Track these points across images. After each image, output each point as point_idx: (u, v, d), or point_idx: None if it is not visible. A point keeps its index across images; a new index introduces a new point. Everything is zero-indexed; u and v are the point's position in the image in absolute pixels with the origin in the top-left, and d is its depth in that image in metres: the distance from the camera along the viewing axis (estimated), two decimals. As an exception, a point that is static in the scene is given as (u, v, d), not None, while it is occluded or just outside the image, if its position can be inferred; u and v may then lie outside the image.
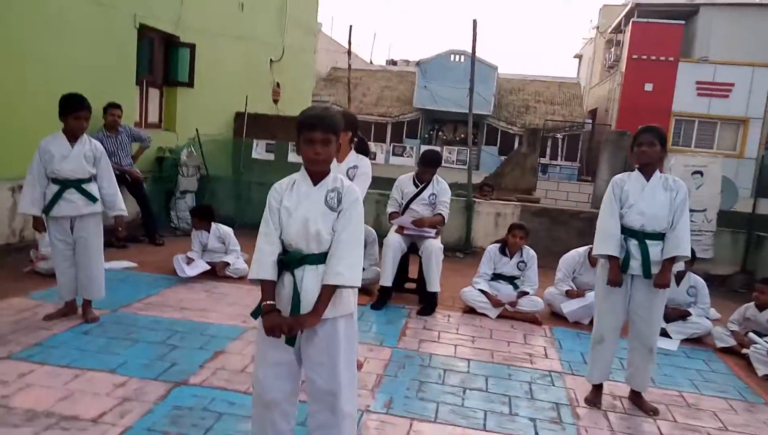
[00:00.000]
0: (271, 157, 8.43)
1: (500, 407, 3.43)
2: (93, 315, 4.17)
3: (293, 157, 8.24)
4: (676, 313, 5.17)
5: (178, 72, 8.60)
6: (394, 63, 37.20)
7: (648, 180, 3.48)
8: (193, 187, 8.04)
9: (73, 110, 3.95)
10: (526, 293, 5.32)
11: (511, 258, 5.48)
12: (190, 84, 8.66)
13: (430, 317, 5.09)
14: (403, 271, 5.76)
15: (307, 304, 2.27)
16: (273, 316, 2.25)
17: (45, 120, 6.34)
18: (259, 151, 8.39)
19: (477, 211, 8.03)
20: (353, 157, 3.84)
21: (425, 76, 26.09)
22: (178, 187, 7.83)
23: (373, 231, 5.95)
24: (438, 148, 24.07)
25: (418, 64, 26.59)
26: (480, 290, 5.35)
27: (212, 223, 5.86)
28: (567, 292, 5.42)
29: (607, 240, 3.49)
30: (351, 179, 3.76)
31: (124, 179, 6.88)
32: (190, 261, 5.62)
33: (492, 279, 5.51)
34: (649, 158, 3.46)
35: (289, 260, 2.29)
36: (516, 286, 5.43)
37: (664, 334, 5.07)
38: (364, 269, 5.69)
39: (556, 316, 5.40)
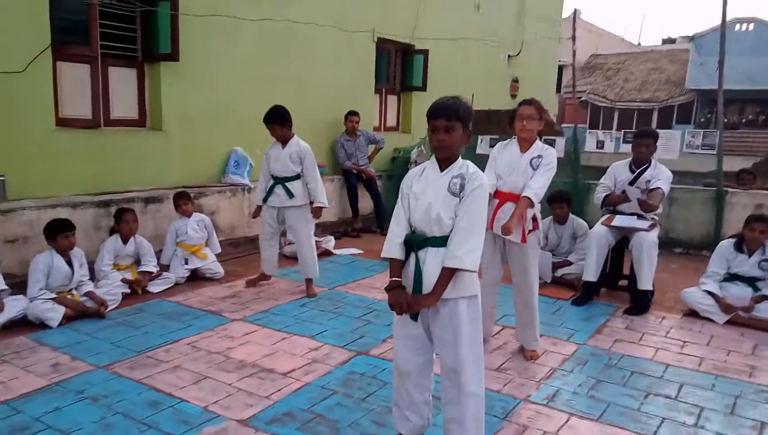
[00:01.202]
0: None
1: (684, 417, 3.05)
2: (313, 291, 4.91)
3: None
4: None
5: (413, 78, 9.30)
6: (671, 41, 33.61)
7: None
8: (423, 183, 8.61)
9: (266, 121, 4.80)
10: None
11: (750, 256, 4.68)
12: (423, 88, 9.28)
13: (638, 318, 4.66)
14: (617, 268, 5.37)
15: (428, 283, 2.41)
16: (397, 292, 2.45)
17: (302, 130, 7.56)
18: (483, 146, 8.56)
19: (730, 203, 6.92)
20: (539, 147, 3.77)
21: (701, 51, 22.91)
22: (409, 183, 8.49)
23: (585, 224, 5.66)
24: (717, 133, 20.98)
25: (692, 39, 23.54)
26: (706, 291, 4.69)
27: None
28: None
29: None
30: (534, 169, 3.72)
31: (360, 177, 7.80)
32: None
33: (727, 280, 4.78)
34: None
35: (413, 241, 2.46)
36: (756, 289, 4.62)
37: None
38: (572, 263, 5.56)
39: (813, 329, 4.44)
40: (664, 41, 33.52)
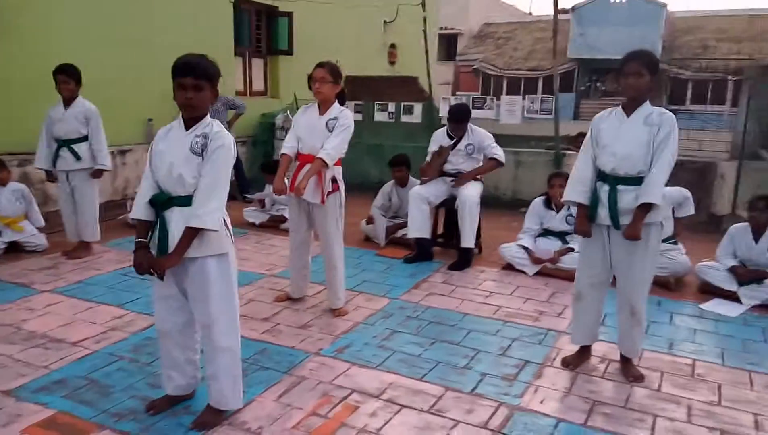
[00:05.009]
0: (359, 117, 8.60)
1: (458, 360, 3.29)
2: (86, 253, 4.97)
3: (379, 116, 8.33)
4: (751, 275, 4.37)
5: (279, 41, 9.13)
6: (564, 11, 35.10)
7: (629, 116, 3.00)
8: (289, 149, 8.59)
9: (60, 73, 4.59)
10: (573, 250, 4.88)
11: (557, 211, 5.05)
12: (289, 52, 9.15)
13: (459, 272, 4.93)
14: (452, 226, 5.62)
15: (173, 243, 2.40)
16: (139, 253, 2.42)
17: (153, 95, 7.18)
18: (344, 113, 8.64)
19: (567, 165, 7.39)
20: (336, 110, 3.85)
21: (581, 22, 24.19)
22: (275, 149, 8.43)
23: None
24: (594, 102, 22.47)
25: (572, 9, 24.65)
26: (520, 246, 5.03)
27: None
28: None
29: (574, 185, 3.12)
30: (330, 131, 3.78)
31: (219, 143, 7.63)
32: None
33: (542, 235, 5.15)
34: (634, 91, 2.96)
35: (156, 201, 2.44)
36: (566, 243, 5.02)
37: (736, 298, 4.35)
38: (405, 226, 5.72)
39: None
40: (558, 12, 34.95)
